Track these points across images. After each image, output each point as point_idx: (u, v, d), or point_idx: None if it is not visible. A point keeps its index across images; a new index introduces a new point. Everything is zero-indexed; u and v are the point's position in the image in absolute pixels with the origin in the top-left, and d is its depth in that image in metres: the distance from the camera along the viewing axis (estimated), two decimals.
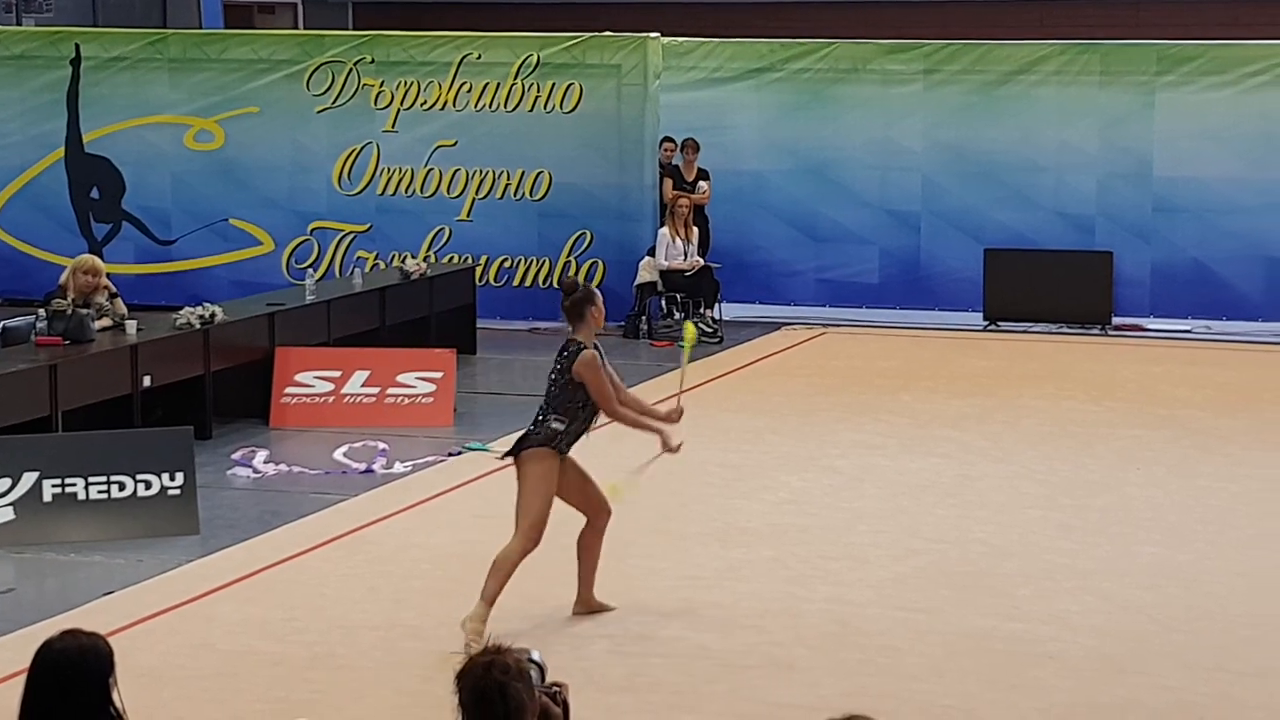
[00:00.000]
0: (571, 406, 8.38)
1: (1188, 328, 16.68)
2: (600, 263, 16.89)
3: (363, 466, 11.24)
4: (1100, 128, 16.85)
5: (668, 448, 8.55)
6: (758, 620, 8.28)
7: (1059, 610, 8.36)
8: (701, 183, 16.90)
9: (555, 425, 8.36)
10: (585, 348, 8.41)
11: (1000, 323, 16.99)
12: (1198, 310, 16.74)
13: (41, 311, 11.43)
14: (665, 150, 17.01)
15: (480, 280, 16.48)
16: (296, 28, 23.65)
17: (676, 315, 16.42)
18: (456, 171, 17.12)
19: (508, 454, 8.53)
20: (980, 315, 17.04)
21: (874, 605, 8.47)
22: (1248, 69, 16.54)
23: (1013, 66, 17.05)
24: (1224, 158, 16.59)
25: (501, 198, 17.07)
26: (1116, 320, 16.81)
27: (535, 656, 4.59)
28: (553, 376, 8.47)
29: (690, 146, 16.91)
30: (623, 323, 16.51)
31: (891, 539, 9.61)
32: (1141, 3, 21.47)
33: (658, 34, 17.22)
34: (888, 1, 22.28)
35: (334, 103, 17.26)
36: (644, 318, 16.42)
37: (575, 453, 8.45)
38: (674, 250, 16.42)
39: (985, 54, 17.18)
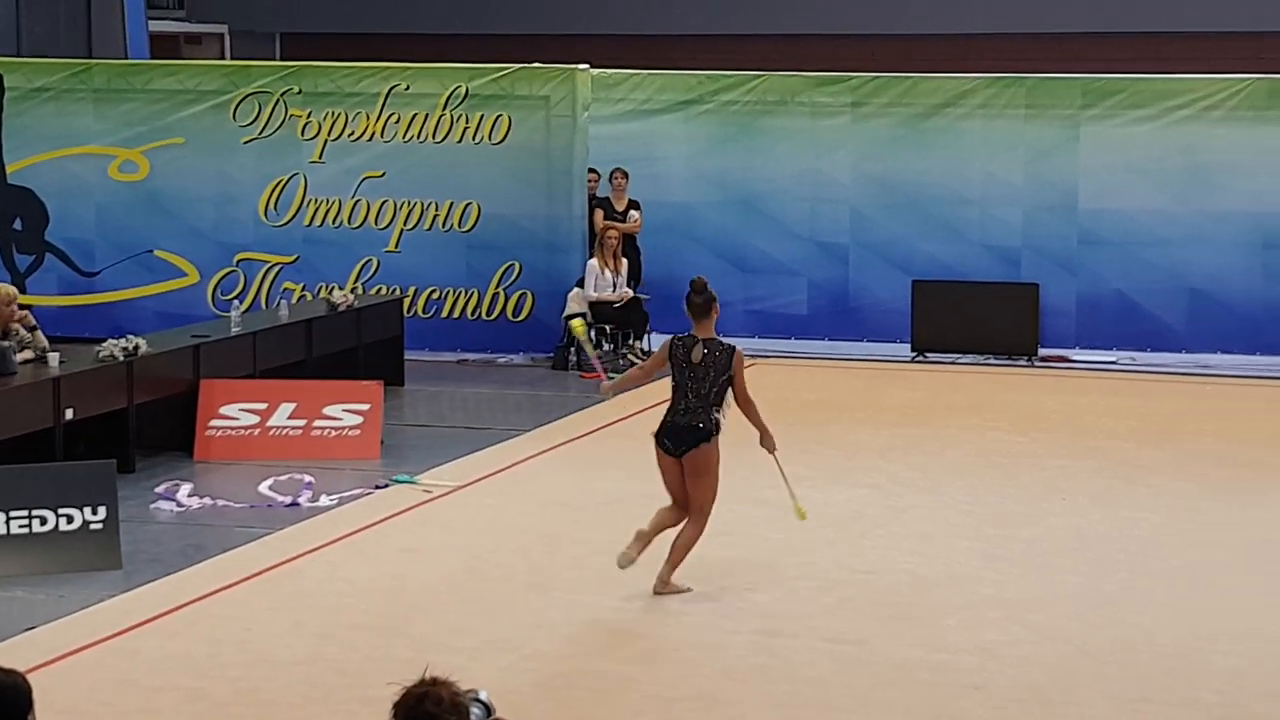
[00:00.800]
0: (725, 398, 9.25)
1: (1113, 359, 16.82)
2: (529, 294, 16.87)
3: (288, 500, 11.15)
4: (1026, 160, 16.99)
5: (768, 445, 9.49)
6: (685, 652, 8.26)
7: (985, 641, 8.38)
8: (633, 212, 16.93)
9: (718, 417, 9.26)
10: (731, 346, 9.27)
11: (928, 354, 17.08)
12: (1123, 341, 16.89)
13: None
14: (590, 182, 17.04)
15: (408, 311, 16.43)
16: (223, 58, 23.55)
17: (605, 346, 16.41)
18: (384, 202, 17.07)
19: (681, 450, 9.21)
20: (908, 346, 17.13)
21: (801, 637, 8.46)
22: (1171, 102, 16.72)
23: (939, 99, 17.17)
24: (1148, 190, 16.75)
25: (430, 229, 17.03)
26: (1043, 351, 16.93)
27: (483, 696, 4.56)
28: (711, 374, 9.21)
29: (619, 175, 16.95)
30: (551, 354, 16.50)
31: (819, 570, 9.61)
32: (1066, 36, 21.67)
33: (586, 66, 17.24)
34: (816, 34, 22.41)
35: (261, 133, 17.19)
36: (573, 349, 16.39)
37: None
38: (603, 282, 16.42)
39: (912, 87, 17.29)
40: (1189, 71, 17.86)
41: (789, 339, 17.43)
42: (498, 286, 16.92)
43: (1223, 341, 16.65)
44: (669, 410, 9.38)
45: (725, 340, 9.34)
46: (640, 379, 10.27)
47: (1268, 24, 21.18)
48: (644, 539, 9.29)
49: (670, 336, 9.54)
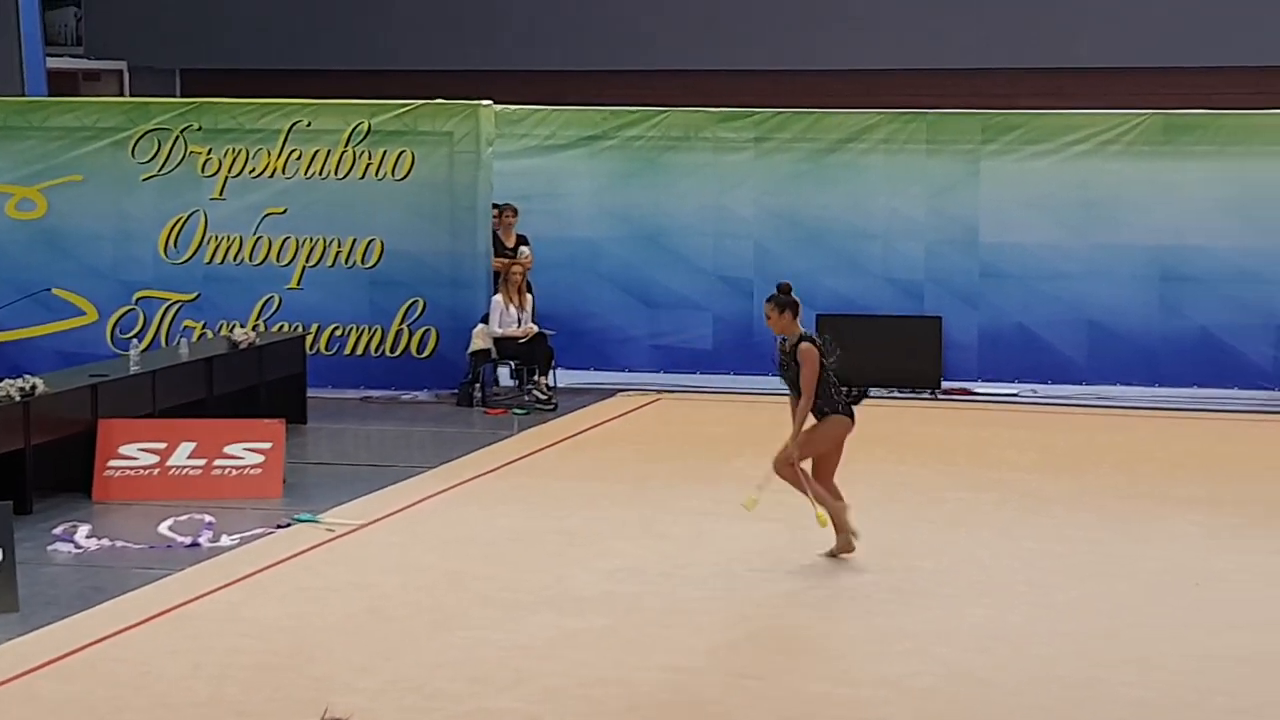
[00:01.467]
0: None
1: (1015, 391, 16.95)
2: (433, 330, 16.79)
3: (188, 540, 11.02)
4: (928, 195, 17.12)
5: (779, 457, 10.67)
6: (591, 689, 8.21)
7: (890, 674, 8.39)
8: (523, 248, 16.92)
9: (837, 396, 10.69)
10: (797, 338, 10.67)
11: None
12: (1024, 374, 17.02)
13: None
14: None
15: (311, 349, 16.31)
16: (122, 95, 23.35)
17: (511, 382, 16.37)
18: (286, 239, 16.95)
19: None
20: None
21: (707, 672, 8.44)
22: (1069, 137, 16.91)
23: (842, 135, 17.27)
24: (1047, 224, 16.92)
25: (332, 265, 16.92)
26: (946, 384, 17.04)
27: None
28: (831, 363, 10.73)
29: (509, 212, 16.96)
30: (456, 391, 16.43)
31: (724, 605, 9.59)
32: (966, 72, 21.88)
33: (490, 101, 17.22)
34: (719, 70, 22.51)
35: (160, 170, 17.03)
36: (478, 385, 16.33)
37: None
38: (507, 317, 16.38)
39: (815, 122, 17.39)
40: (1086, 107, 18.07)
41: (694, 374, 17.45)
42: (401, 323, 16.83)
43: (1122, 373, 16.82)
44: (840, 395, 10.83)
45: (799, 334, 10.75)
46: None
47: (1163, 60, 21.49)
48: (839, 523, 10.49)
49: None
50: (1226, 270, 16.58)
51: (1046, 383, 16.95)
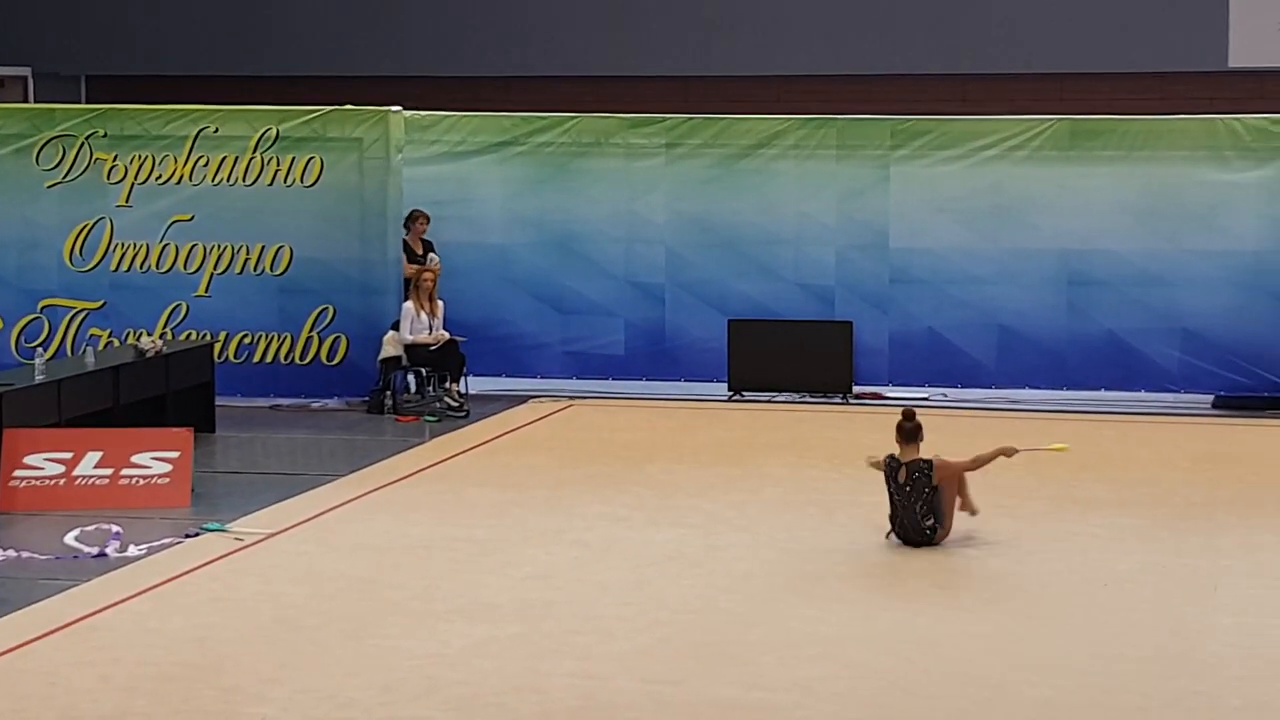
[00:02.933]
0: (939, 508, 11.05)
1: (925, 395, 17.04)
2: (343, 337, 16.70)
3: (95, 550, 10.88)
4: (838, 200, 17.19)
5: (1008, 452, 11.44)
6: (502, 697, 8.18)
7: (802, 677, 8.41)
8: (432, 255, 16.87)
9: (929, 525, 11.03)
10: (929, 462, 11.02)
11: (744, 393, 17.19)
12: (934, 378, 17.13)
13: None
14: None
15: (219, 357, 16.17)
16: (26, 101, 23.05)
17: (416, 388, 16.33)
18: (194, 246, 16.80)
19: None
20: (725, 385, 17.22)
21: (619, 678, 8.43)
22: (977, 143, 17.02)
23: (752, 140, 17.32)
24: (956, 229, 17.03)
25: (241, 273, 16.79)
26: (857, 389, 17.12)
27: None
28: (916, 493, 10.95)
29: (420, 218, 16.90)
30: (367, 398, 16.34)
31: (637, 611, 9.58)
32: (876, 78, 21.99)
33: (399, 107, 17.15)
34: (629, 76, 22.50)
35: (65, 177, 16.84)
36: (389, 393, 16.25)
37: None
38: (419, 324, 16.31)
39: (726, 128, 17.43)
40: (994, 112, 18.21)
41: (606, 380, 17.44)
42: (311, 330, 16.73)
43: (1030, 377, 16.96)
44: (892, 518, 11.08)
45: (925, 458, 10.98)
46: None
47: (1070, 65, 21.68)
48: None
49: (888, 455, 11.12)
50: (1132, 274, 16.75)
51: (956, 387, 17.07)
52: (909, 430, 11.06)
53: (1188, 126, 16.86)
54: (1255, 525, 11.68)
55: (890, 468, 11.06)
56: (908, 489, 10.96)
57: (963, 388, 17.06)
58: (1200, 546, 11.10)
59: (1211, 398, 16.89)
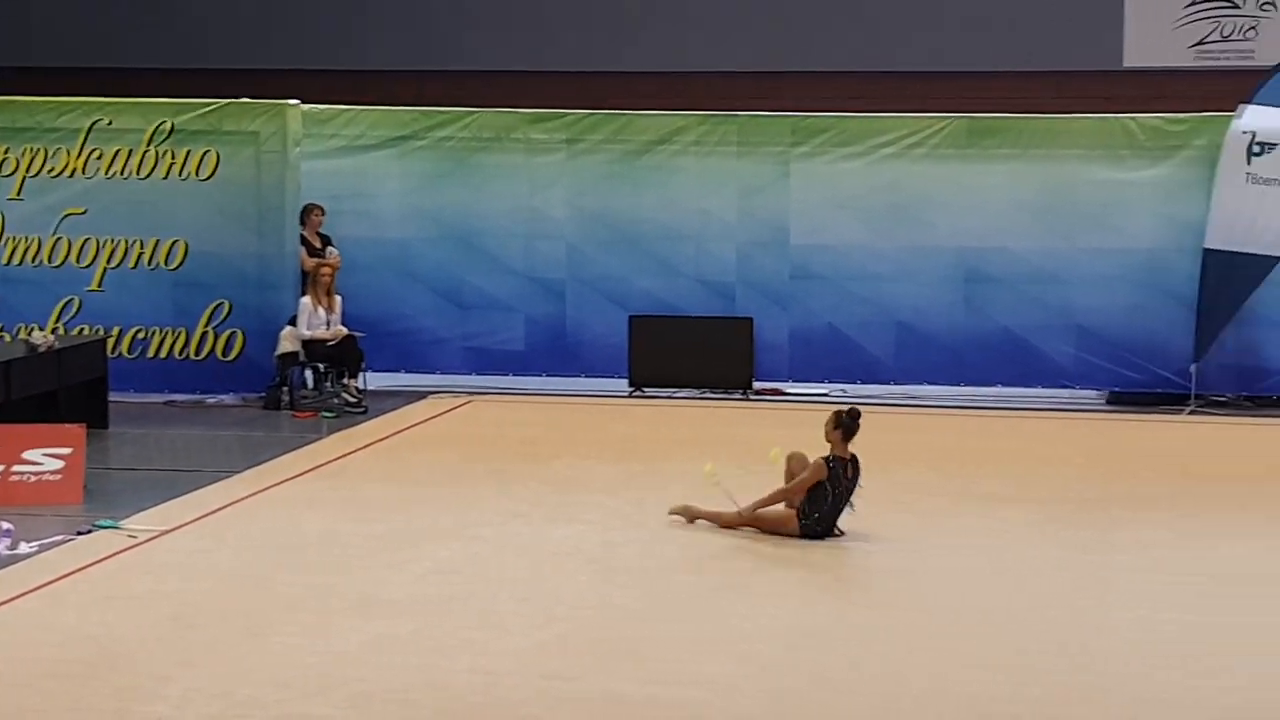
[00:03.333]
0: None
1: (825, 391, 17.11)
2: (239, 333, 16.53)
3: None
4: (739, 197, 17.22)
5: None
6: (400, 694, 8.12)
7: (700, 673, 8.41)
8: (331, 248, 16.75)
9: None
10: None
11: (645, 389, 17.18)
12: (834, 374, 17.19)
13: None
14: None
15: (113, 352, 15.96)
16: None
17: (313, 384, 16.21)
18: (87, 240, 16.57)
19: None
20: (626, 381, 17.21)
21: (516, 674, 8.39)
22: (876, 140, 17.10)
23: (653, 136, 17.31)
24: (856, 226, 17.10)
25: (135, 267, 16.59)
26: (757, 385, 17.16)
27: None
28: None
29: (316, 212, 16.78)
30: (263, 394, 16.19)
31: (535, 607, 9.55)
32: (776, 76, 22.06)
33: (297, 101, 17.00)
34: (530, 71, 22.46)
35: None
36: (285, 389, 16.11)
37: None
38: (316, 319, 16.18)
39: (627, 124, 17.41)
40: (893, 110, 18.30)
41: (506, 375, 17.37)
42: (207, 325, 16.55)
43: (929, 373, 17.06)
44: (822, 520, 11.01)
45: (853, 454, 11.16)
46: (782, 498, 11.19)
47: (969, 64, 21.85)
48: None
49: (830, 456, 11.06)
50: (1028, 271, 16.89)
51: (856, 383, 17.12)
52: (852, 429, 11.10)
53: (1084, 125, 17.02)
54: (1148, 520, 11.81)
55: (837, 467, 11.04)
56: (846, 486, 11.03)
57: (862, 384, 17.12)
58: (1095, 541, 11.21)
59: (1105, 393, 17.07)
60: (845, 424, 11.12)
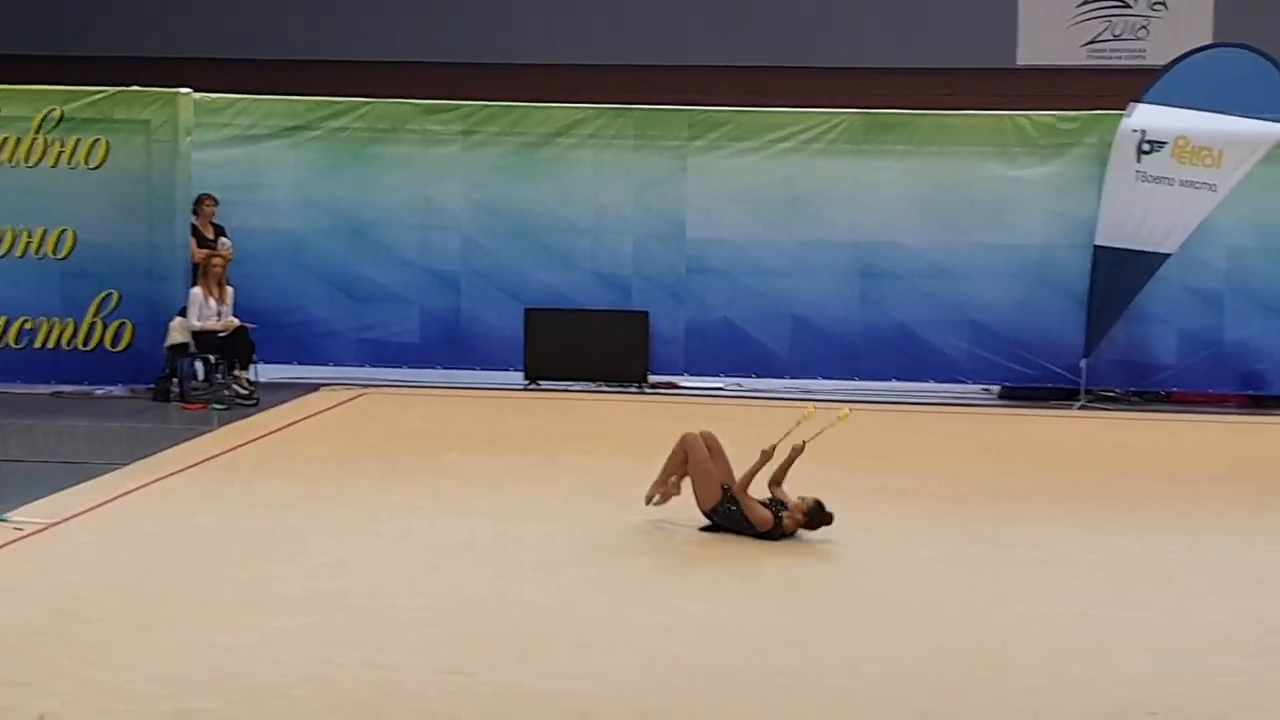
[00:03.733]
0: None
1: (720, 385, 17.14)
2: (128, 323, 16.33)
3: None
4: (635, 190, 17.21)
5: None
6: (290, 689, 8.01)
7: (595, 667, 8.37)
8: (224, 239, 16.58)
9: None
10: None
11: (541, 381, 17.13)
12: (729, 368, 17.23)
13: None
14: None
15: None
16: None
17: (203, 375, 16.04)
18: None
19: None
20: (521, 374, 17.15)
21: (409, 669, 8.31)
22: (773, 135, 17.16)
23: (550, 129, 17.27)
24: (752, 220, 17.14)
25: (21, 256, 16.34)
26: (653, 378, 17.16)
27: None
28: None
29: (208, 201, 16.60)
30: (153, 386, 15.99)
31: (428, 601, 9.47)
32: (673, 69, 22.06)
33: (189, 90, 16.80)
34: (426, 62, 22.32)
35: None
36: (175, 380, 15.92)
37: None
38: (207, 310, 16.00)
39: (523, 116, 17.36)
40: (790, 105, 18.37)
41: (401, 368, 17.27)
42: (95, 316, 16.33)
43: (823, 367, 17.14)
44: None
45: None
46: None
47: (864, 60, 21.96)
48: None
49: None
50: (922, 267, 17.02)
51: (751, 376, 17.20)
52: (813, 528, 10.89)
53: (977, 122, 17.16)
54: (1040, 513, 11.90)
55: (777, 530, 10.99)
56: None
57: (757, 377, 17.19)
58: (988, 535, 11.28)
59: (998, 388, 17.22)
60: (813, 521, 10.86)
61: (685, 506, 11.36)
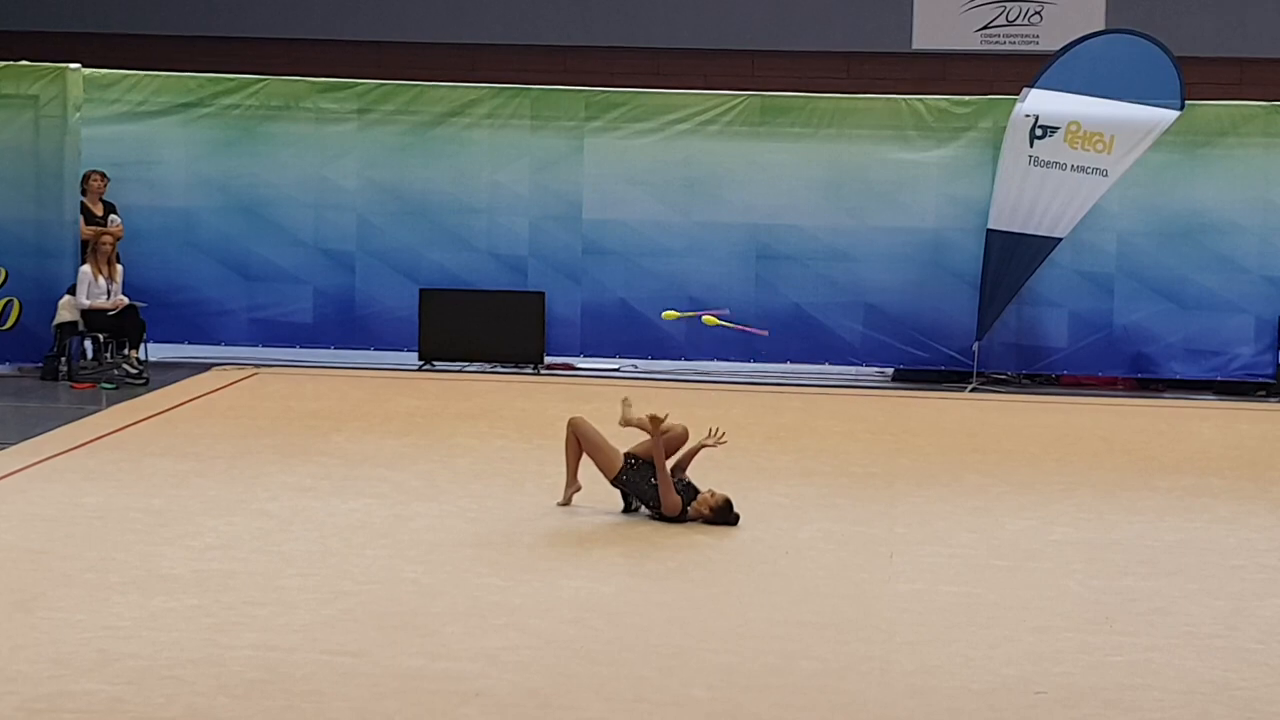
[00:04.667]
0: None
1: (616, 366, 17.15)
2: (16, 301, 16.12)
3: None
4: (532, 171, 17.17)
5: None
6: (178, 670, 7.94)
7: (486, 647, 8.36)
8: (113, 216, 16.38)
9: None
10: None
11: (435, 362, 17.07)
12: (625, 349, 17.25)
13: None
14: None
15: None
16: None
17: (92, 354, 15.86)
18: None
19: None
20: (415, 355, 17.07)
21: (300, 650, 8.26)
22: (670, 116, 17.17)
23: (445, 108, 17.19)
24: (649, 201, 17.16)
25: None
26: (549, 359, 17.14)
27: None
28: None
29: (97, 178, 16.39)
30: (40, 364, 15.79)
31: (320, 582, 9.42)
32: (570, 49, 22.01)
33: (78, 65, 16.57)
34: (321, 39, 22.14)
35: None
36: (64, 359, 15.73)
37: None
38: (96, 289, 15.81)
39: (419, 95, 17.27)
40: (687, 87, 18.39)
41: (294, 348, 17.15)
42: None
43: (719, 349, 17.19)
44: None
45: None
46: None
47: (761, 43, 22.01)
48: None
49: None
50: (818, 249, 17.10)
51: (647, 358, 17.22)
52: (717, 523, 10.86)
53: (873, 105, 17.25)
54: (930, 495, 12.01)
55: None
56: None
57: (653, 359, 17.22)
58: (878, 515, 11.37)
59: (892, 370, 17.34)
60: (718, 519, 10.82)
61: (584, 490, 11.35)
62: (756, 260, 17.13)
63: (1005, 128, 16.86)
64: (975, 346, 16.97)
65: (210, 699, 7.62)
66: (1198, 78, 18.05)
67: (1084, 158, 16.80)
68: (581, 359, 17.30)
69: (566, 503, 11.20)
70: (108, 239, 15.95)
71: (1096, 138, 16.78)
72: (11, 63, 16.34)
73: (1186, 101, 16.75)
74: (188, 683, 7.80)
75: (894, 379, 17.30)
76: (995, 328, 16.96)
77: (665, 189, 17.19)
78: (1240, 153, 16.87)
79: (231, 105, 17.11)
